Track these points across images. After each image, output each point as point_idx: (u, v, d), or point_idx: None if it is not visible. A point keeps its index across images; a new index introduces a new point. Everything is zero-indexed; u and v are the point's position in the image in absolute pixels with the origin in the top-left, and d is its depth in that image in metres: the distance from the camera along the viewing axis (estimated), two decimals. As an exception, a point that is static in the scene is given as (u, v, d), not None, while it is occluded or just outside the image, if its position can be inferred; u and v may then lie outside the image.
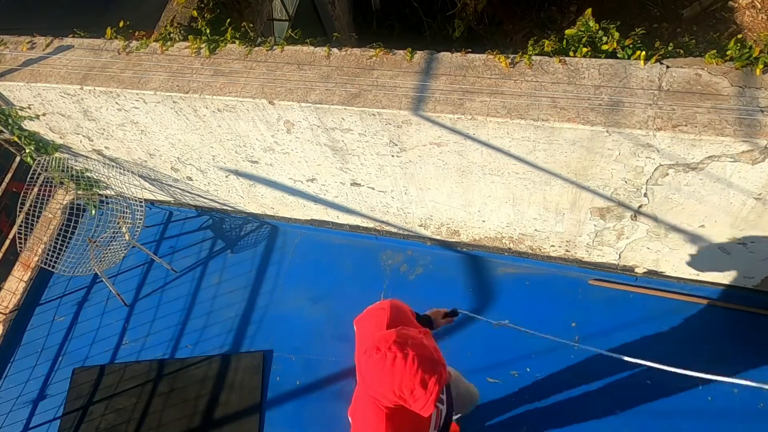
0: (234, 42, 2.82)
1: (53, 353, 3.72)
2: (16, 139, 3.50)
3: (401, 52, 2.57)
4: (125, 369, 3.55)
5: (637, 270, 3.13)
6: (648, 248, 2.89)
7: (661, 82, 2.20)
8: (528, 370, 3.08)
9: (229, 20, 2.96)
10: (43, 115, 3.28)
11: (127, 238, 3.50)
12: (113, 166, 3.63)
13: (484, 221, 3.13)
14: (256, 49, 2.77)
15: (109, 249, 3.54)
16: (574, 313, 3.16)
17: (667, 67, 2.23)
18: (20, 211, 3.64)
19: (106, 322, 3.76)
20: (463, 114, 2.32)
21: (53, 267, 3.50)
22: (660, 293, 3.12)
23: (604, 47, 2.36)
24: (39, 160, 3.55)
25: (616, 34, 2.36)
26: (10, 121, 3.36)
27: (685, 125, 2.09)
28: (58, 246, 3.68)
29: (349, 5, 7.52)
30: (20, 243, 3.61)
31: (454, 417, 2.70)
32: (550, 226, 2.98)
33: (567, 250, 3.16)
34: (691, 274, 3.00)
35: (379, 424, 1.71)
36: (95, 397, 3.49)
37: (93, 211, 3.93)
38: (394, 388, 1.57)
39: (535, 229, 3.05)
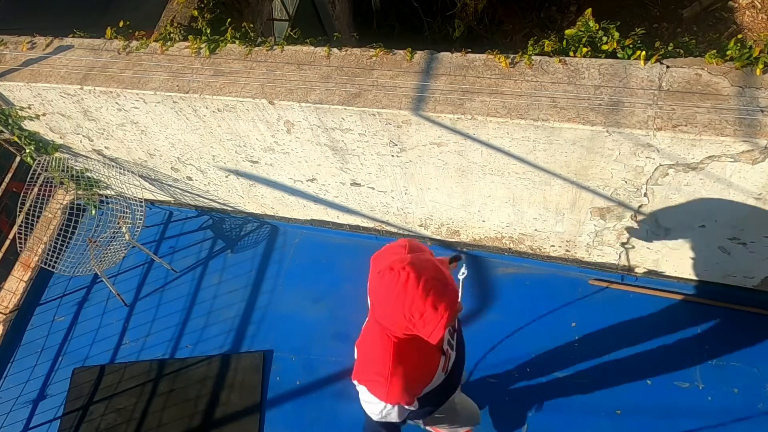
0: (234, 42, 2.82)
1: (53, 353, 3.71)
2: (16, 139, 3.50)
3: (401, 52, 2.57)
4: (125, 369, 3.55)
5: (637, 270, 3.13)
6: (648, 248, 2.89)
7: (661, 82, 2.20)
8: (528, 370, 3.08)
9: (229, 20, 2.96)
10: (43, 115, 3.28)
11: (127, 238, 3.50)
12: (113, 166, 3.63)
13: (484, 221, 3.13)
14: (256, 49, 2.77)
15: (109, 249, 3.54)
16: (574, 313, 3.16)
17: (667, 67, 2.23)
18: (20, 211, 3.64)
19: (106, 322, 3.76)
20: (463, 114, 2.32)
21: (53, 267, 3.50)
22: (660, 293, 3.12)
23: (604, 47, 2.36)
24: (39, 160, 3.55)
25: (616, 34, 2.36)
26: (10, 121, 3.36)
27: (685, 125, 2.09)
28: (58, 246, 3.68)
29: (349, 5, 7.52)
30: (20, 243, 3.61)
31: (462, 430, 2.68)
32: (550, 226, 2.98)
33: (567, 250, 3.16)
34: (691, 274, 3.00)
35: (387, 352, 1.67)
36: (95, 397, 3.49)
37: (93, 211, 3.93)
38: (404, 310, 1.53)
39: (535, 229, 3.06)
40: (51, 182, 3.75)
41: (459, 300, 1.61)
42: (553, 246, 3.17)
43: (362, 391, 1.81)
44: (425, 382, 1.84)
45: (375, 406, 1.79)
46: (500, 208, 2.94)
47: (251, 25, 2.92)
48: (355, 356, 1.87)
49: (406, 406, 1.80)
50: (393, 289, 1.53)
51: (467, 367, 3.07)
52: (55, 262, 3.52)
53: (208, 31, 2.91)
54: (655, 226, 2.68)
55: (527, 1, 7.26)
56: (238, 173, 3.37)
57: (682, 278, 3.06)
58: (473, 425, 2.71)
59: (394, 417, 1.81)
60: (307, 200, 3.46)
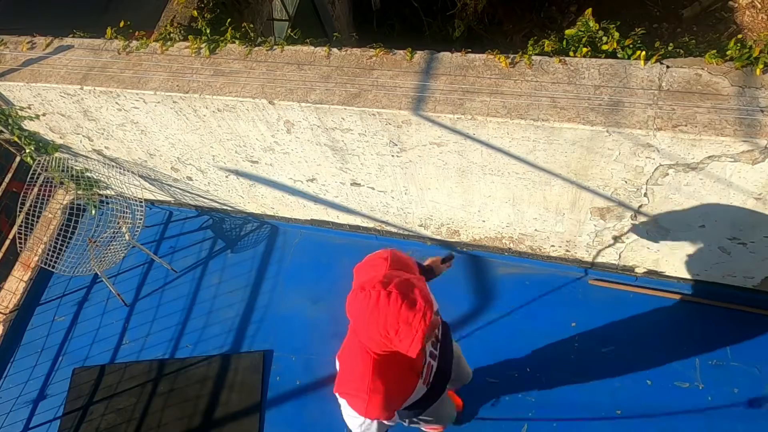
0: (234, 42, 2.82)
1: (53, 353, 3.72)
2: (16, 139, 3.50)
3: (401, 52, 2.57)
4: (125, 369, 3.55)
5: (637, 270, 3.13)
6: (648, 248, 2.89)
7: (661, 82, 2.20)
8: (528, 370, 3.08)
9: (229, 20, 2.96)
10: (43, 115, 3.28)
11: (127, 238, 3.50)
12: (113, 166, 3.63)
13: (484, 221, 3.13)
14: (256, 49, 2.77)
15: (109, 249, 3.54)
16: (574, 313, 3.16)
17: (667, 67, 2.23)
18: (20, 211, 3.64)
19: (106, 322, 3.76)
20: (463, 114, 2.32)
21: (53, 267, 3.50)
22: (660, 293, 3.12)
23: (604, 47, 2.36)
24: (39, 160, 3.55)
25: (616, 34, 2.36)
26: (10, 121, 3.36)
27: (685, 125, 2.09)
28: (58, 246, 3.68)
29: (349, 5, 7.52)
30: (20, 243, 3.61)
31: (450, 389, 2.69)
32: (550, 226, 2.98)
33: (567, 250, 3.16)
34: (691, 274, 3.00)
35: (366, 368, 1.70)
36: (95, 397, 3.49)
37: (93, 211, 3.93)
38: (379, 329, 1.55)
39: (535, 229, 3.06)
40: (51, 182, 3.75)
41: (436, 312, 1.63)
42: (553, 246, 3.17)
43: (343, 404, 1.85)
44: (405, 397, 1.86)
45: (355, 420, 1.83)
46: (500, 208, 2.94)
47: (251, 25, 2.92)
48: (337, 368, 1.89)
49: (386, 422, 1.84)
50: (366, 308, 1.56)
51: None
52: (55, 262, 3.52)
53: (208, 31, 2.91)
54: (655, 226, 2.68)
55: (527, 1, 7.26)
56: (238, 173, 3.37)
57: (682, 278, 3.06)
58: (449, 423, 2.73)
59: (373, 431, 1.86)
60: (307, 200, 3.46)
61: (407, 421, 2.27)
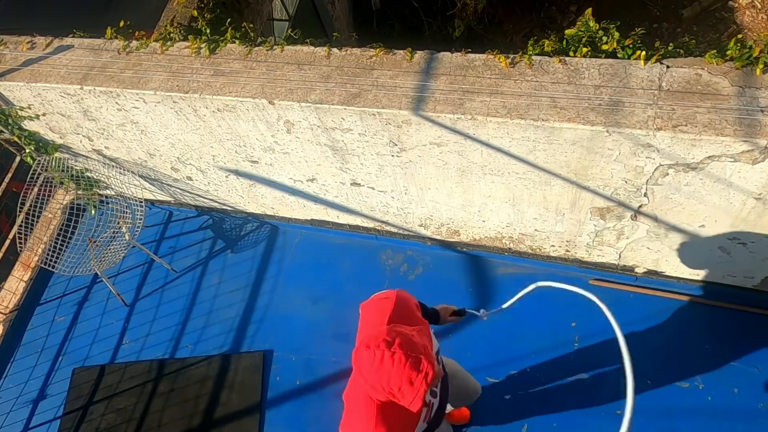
0: (234, 42, 2.82)
1: (53, 353, 3.72)
2: (16, 139, 3.50)
3: (401, 52, 2.57)
4: (125, 369, 3.55)
5: (637, 270, 3.13)
6: (648, 248, 2.89)
7: (661, 82, 2.20)
8: (528, 369, 3.08)
9: (229, 20, 2.96)
10: (43, 115, 3.28)
11: (127, 238, 3.50)
12: (113, 166, 3.63)
13: (484, 221, 3.13)
14: (256, 49, 2.77)
15: (109, 249, 3.54)
16: (574, 313, 3.16)
17: (667, 67, 2.23)
18: (20, 211, 3.64)
19: (106, 322, 3.76)
20: (463, 114, 2.32)
21: (53, 267, 3.50)
22: (660, 293, 3.12)
23: (604, 47, 2.36)
24: (39, 160, 3.55)
25: (616, 34, 2.36)
26: (10, 121, 3.36)
27: (685, 125, 2.09)
28: (58, 246, 3.68)
29: (349, 5, 7.52)
30: (20, 243, 3.61)
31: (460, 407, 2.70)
32: (550, 226, 2.98)
33: (567, 250, 3.16)
34: (691, 274, 3.00)
35: (370, 414, 1.76)
36: (95, 397, 3.49)
37: (93, 211, 3.93)
38: (383, 385, 1.62)
39: (535, 229, 3.05)
40: (51, 182, 3.75)
41: (437, 368, 1.68)
42: (553, 246, 3.17)
43: None
44: None
45: None
46: (500, 208, 2.94)
47: (251, 25, 2.92)
48: (344, 406, 1.94)
49: None
50: (370, 366, 1.63)
51: (467, 366, 3.07)
52: (55, 262, 3.52)
53: (208, 31, 2.91)
54: (655, 226, 2.68)
55: (527, 1, 7.26)
56: (238, 173, 3.37)
57: (682, 278, 3.06)
58: (475, 398, 2.74)
59: None
60: (307, 200, 3.46)
61: None
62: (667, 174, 2.31)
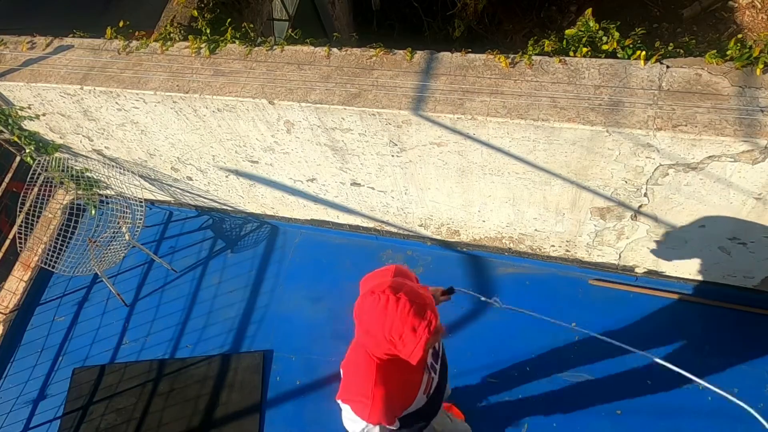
0: (234, 42, 2.82)
1: (53, 353, 3.72)
2: (16, 139, 3.50)
3: (401, 52, 2.57)
4: (125, 369, 3.55)
5: (637, 270, 3.13)
6: (648, 248, 2.89)
7: (661, 82, 2.20)
8: (528, 370, 3.08)
9: (229, 20, 2.96)
10: (43, 115, 3.28)
11: (127, 238, 3.50)
12: (113, 166, 3.63)
13: (484, 221, 3.13)
14: (256, 49, 2.77)
15: (109, 249, 3.54)
16: (574, 313, 3.16)
17: (667, 67, 2.23)
18: (20, 211, 3.64)
19: (106, 322, 3.76)
20: (463, 114, 2.32)
21: (53, 267, 3.50)
22: (660, 293, 3.12)
23: (604, 47, 2.36)
24: (39, 160, 3.55)
25: (616, 34, 2.36)
26: (10, 121, 3.36)
27: (685, 125, 2.09)
28: (58, 246, 3.68)
29: (349, 5, 7.52)
30: (20, 243, 3.61)
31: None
32: (550, 226, 2.98)
33: (567, 250, 3.16)
34: (691, 274, 3.00)
35: (369, 373, 1.75)
36: (95, 397, 3.49)
37: (93, 211, 3.93)
38: (384, 332, 1.60)
39: (535, 229, 3.05)
40: (51, 182, 3.75)
41: (440, 323, 1.67)
42: (553, 246, 3.17)
43: (345, 409, 1.87)
44: (407, 403, 1.90)
45: (357, 425, 1.86)
46: (500, 208, 2.94)
47: (251, 25, 2.92)
48: (341, 376, 1.92)
49: (387, 426, 1.86)
50: (373, 311, 1.61)
51: (468, 366, 3.07)
52: (55, 262, 3.52)
53: (208, 31, 2.91)
54: (655, 226, 2.68)
55: (527, 1, 7.26)
56: (238, 173, 3.37)
57: (682, 278, 3.06)
58: None
59: None
60: (307, 200, 3.46)
61: None
62: (667, 174, 2.31)
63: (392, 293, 1.60)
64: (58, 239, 3.76)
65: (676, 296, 3.10)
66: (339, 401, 1.88)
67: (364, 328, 1.67)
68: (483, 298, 2.36)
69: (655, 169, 2.31)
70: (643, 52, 2.26)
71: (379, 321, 1.59)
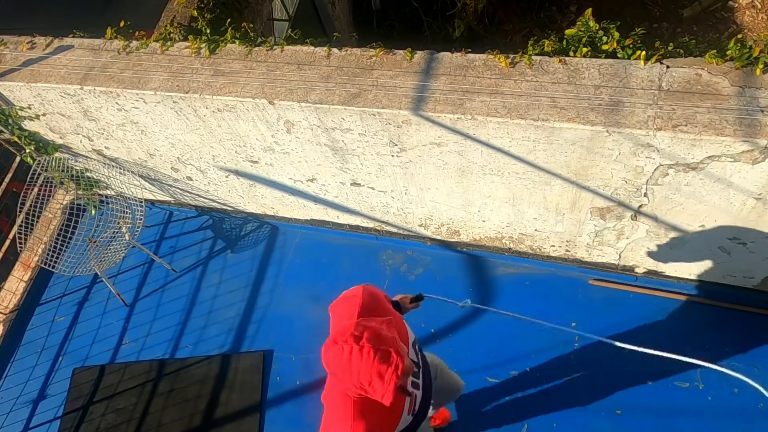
0: (234, 42, 2.82)
1: (53, 353, 3.71)
2: (16, 139, 3.50)
3: (401, 52, 2.57)
4: (125, 369, 3.55)
5: (637, 270, 3.13)
6: (648, 248, 2.89)
7: (661, 82, 2.20)
8: (528, 369, 3.08)
9: (229, 20, 2.96)
10: (43, 115, 3.28)
11: (127, 238, 3.50)
12: (113, 166, 3.63)
13: (484, 221, 3.13)
14: (256, 49, 2.77)
15: (109, 249, 3.54)
16: (574, 313, 3.16)
17: (667, 67, 2.23)
18: (20, 211, 3.64)
19: (106, 322, 3.76)
20: (463, 114, 2.32)
21: (53, 267, 3.50)
22: (660, 293, 3.12)
23: (604, 47, 2.36)
24: (39, 160, 3.55)
25: (616, 34, 2.36)
26: (10, 121, 3.36)
27: (685, 125, 2.09)
28: (58, 246, 3.68)
29: (349, 5, 7.52)
30: (20, 243, 3.61)
31: (443, 405, 2.70)
32: (550, 226, 2.98)
33: (567, 250, 3.16)
34: (691, 274, 3.00)
35: (347, 411, 1.75)
36: (95, 397, 3.49)
37: (93, 211, 3.93)
38: (353, 380, 1.60)
39: (535, 229, 3.05)
40: (51, 182, 3.75)
41: (407, 359, 1.66)
42: (553, 246, 3.17)
43: None
44: (393, 427, 1.89)
45: None
46: (500, 208, 2.94)
47: (251, 25, 2.92)
48: (323, 409, 1.93)
49: None
50: (338, 362, 1.62)
51: (467, 366, 3.07)
52: (55, 262, 3.52)
53: (208, 31, 2.91)
54: (655, 226, 2.68)
55: (527, 1, 7.26)
56: (238, 173, 3.37)
57: (682, 278, 3.06)
58: (458, 395, 2.73)
59: None
60: (307, 200, 3.46)
61: None
62: (667, 174, 2.31)
63: (355, 343, 1.59)
64: (58, 239, 3.76)
65: (676, 296, 3.10)
66: None
67: (333, 374, 1.68)
68: (450, 301, 2.37)
69: (655, 169, 2.31)
70: (643, 52, 2.26)
71: (346, 371, 1.60)
